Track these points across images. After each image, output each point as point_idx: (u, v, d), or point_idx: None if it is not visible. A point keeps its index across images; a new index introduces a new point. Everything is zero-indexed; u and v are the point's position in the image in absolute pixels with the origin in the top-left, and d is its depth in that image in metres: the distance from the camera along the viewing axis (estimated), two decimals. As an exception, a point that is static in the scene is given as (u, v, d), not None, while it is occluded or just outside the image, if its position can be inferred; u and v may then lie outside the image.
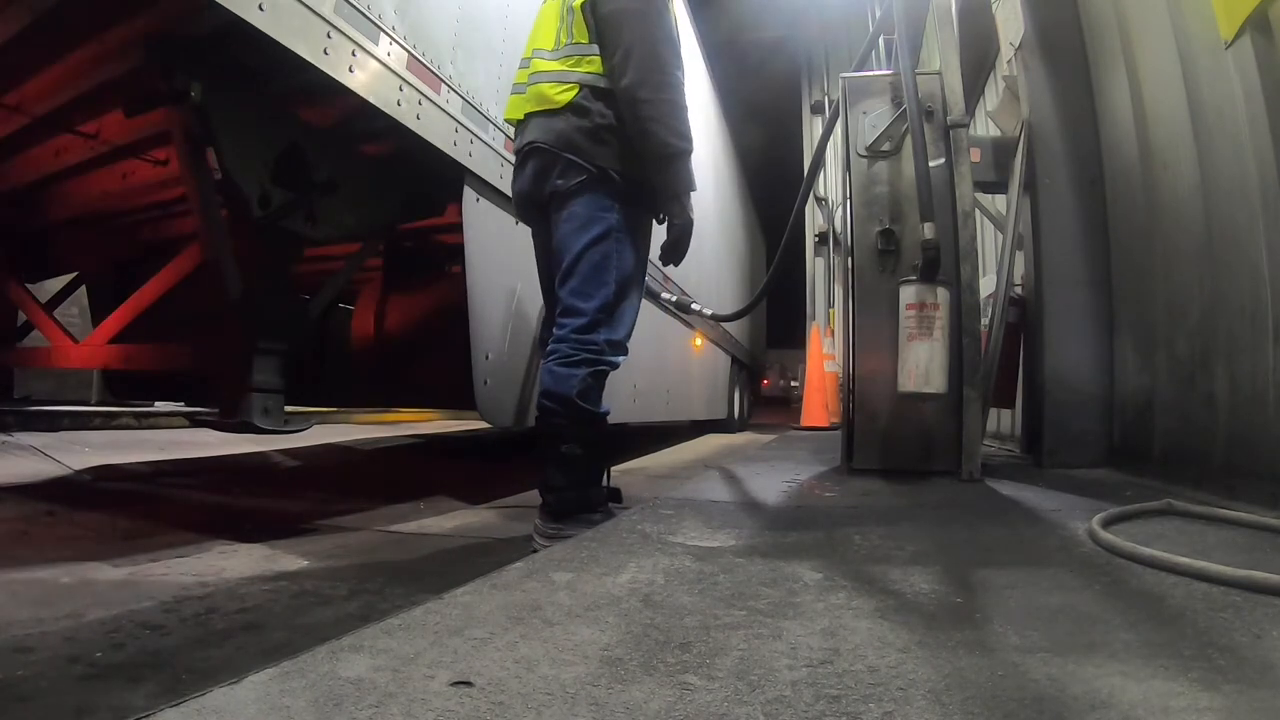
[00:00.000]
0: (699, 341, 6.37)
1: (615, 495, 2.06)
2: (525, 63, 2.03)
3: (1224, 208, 2.08)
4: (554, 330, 1.89)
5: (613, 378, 2.23)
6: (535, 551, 1.78)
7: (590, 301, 1.84)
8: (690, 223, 1.96)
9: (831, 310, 9.05)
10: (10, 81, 2.10)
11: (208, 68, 1.86)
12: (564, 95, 1.86)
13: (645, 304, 2.41)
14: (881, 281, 2.64)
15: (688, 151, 1.87)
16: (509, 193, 2.71)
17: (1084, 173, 2.97)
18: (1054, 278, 2.98)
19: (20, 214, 2.99)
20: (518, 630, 0.92)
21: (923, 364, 2.32)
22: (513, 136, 2.13)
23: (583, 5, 1.87)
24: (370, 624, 0.95)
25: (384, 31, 2.03)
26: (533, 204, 1.98)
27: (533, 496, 2.98)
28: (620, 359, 1.93)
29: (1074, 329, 2.93)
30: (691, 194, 1.94)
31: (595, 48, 1.86)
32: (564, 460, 1.83)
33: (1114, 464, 2.77)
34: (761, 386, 16.04)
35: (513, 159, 2.70)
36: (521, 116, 1.98)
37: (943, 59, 2.79)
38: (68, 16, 1.80)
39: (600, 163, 1.84)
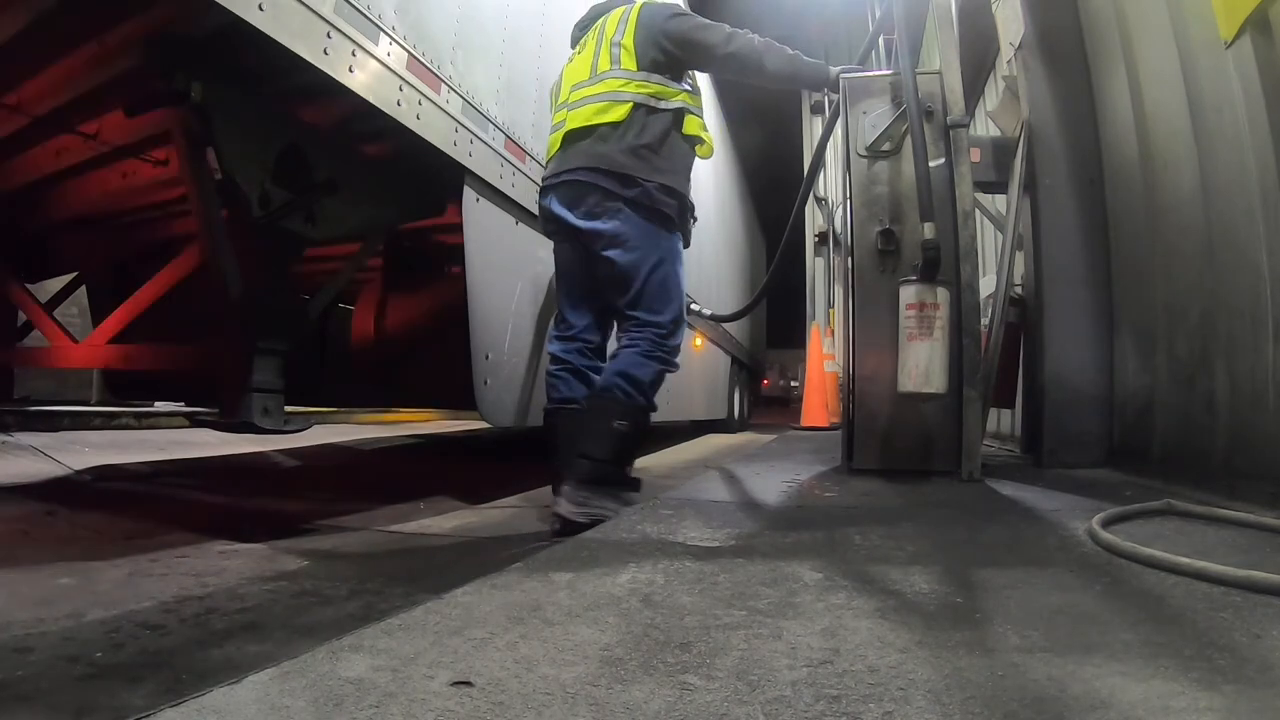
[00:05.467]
0: (699, 342, 6.37)
1: (635, 485, 2.16)
2: (563, 106, 2.25)
3: (1224, 207, 2.08)
4: (630, 329, 2.13)
5: None
6: (558, 526, 1.89)
7: (664, 315, 2.13)
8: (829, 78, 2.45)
9: (831, 310, 9.04)
10: (10, 81, 2.10)
11: (208, 68, 1.86)
12: (617, 113, 2.10)
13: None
14: (881, 281, 2.63)
15: (794, 70, 2.29)
16: (509, 193, 2.73)
17: (1084, 173, 2.96)
18: (1054, 277, 2.97)
19: (20, 214, 2.99)
20: (518, 630, 0.92)
21: (923, 364, 2.32)
22: (542, 163, 2.37)
23: (635, 34, 2.15)
24: (370, 624, 0.95)
25: (384, 31, 2.03)
26: (566, 227, 2.18)
27: (532, 496, 3.00)
28: (676, 368, 2.21)
29: (1074, 329, 2.93)
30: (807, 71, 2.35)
31: (645, 75, 2.14)
32: (612, 434, 2.01)
33: (1114, 464, 2.77)
34: (761, 386, 16.05)
35: (512, 159, 2.73)
36: (560, 144, 2.19)
37: (943, 59, 2.79)
38: (68, 16, 1.80)
39: (634, 173, 2.07)
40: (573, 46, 2.45)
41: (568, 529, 1.85)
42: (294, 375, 2.31)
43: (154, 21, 1.81)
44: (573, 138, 2.16)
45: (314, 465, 4.15)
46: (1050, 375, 2.93)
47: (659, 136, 2.12)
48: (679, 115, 2.17)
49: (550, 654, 0.84)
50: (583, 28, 2.42)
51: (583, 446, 2.01)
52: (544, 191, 2.26)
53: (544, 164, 2.39)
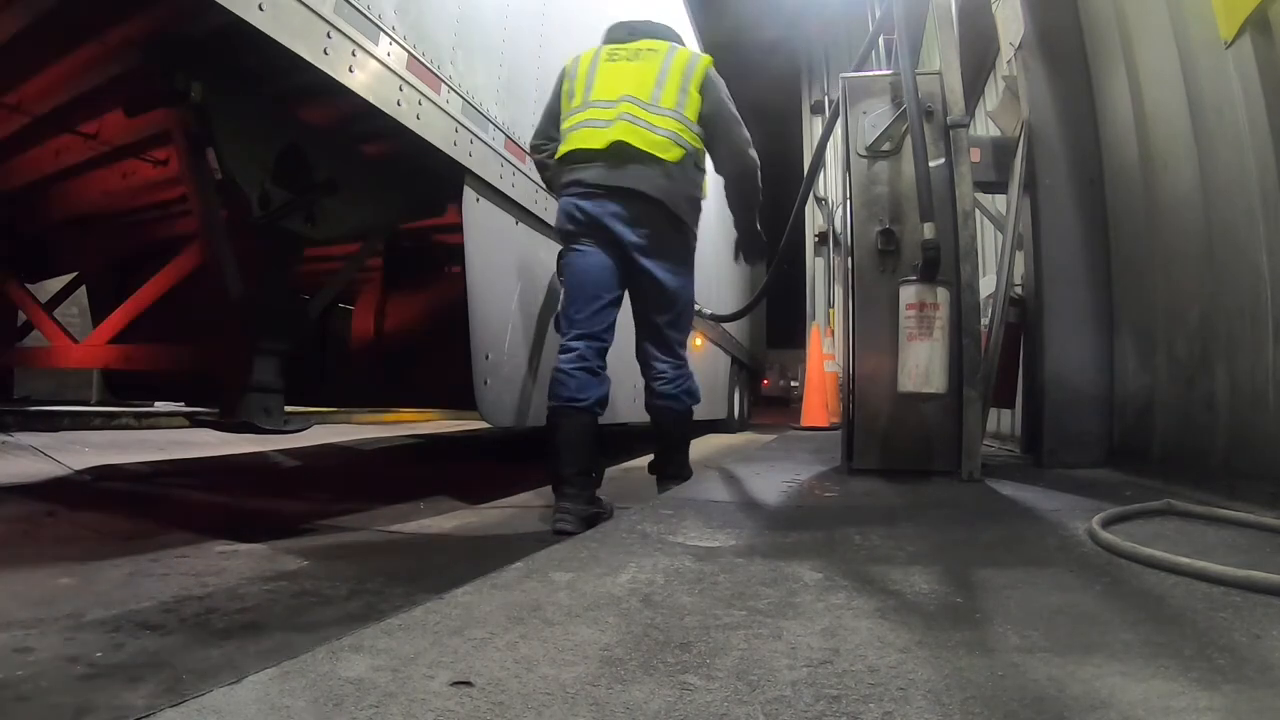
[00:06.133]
0: (699, 341, 6.37)
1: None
2: (608, 104, 2.26)
3: (1224, 208, 2.08)
4: (669, 356, 2.37)
5: (613, 378, 2.32)
6: (563, 528, 2.00)
7: (688, 335, 2.48)
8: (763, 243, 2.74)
9: (831, 310, 9.04)
10: (10, 81, 2.10)
11: (208, 68, 1.86)
12: (672, 154, 2.23)
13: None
14: (881, 281, 2.63)
15: (754, 217, 2.58)
16: (509, 193, 2.72)
17: (1084, 173, 2.96)
18: (1054, 277, 2.97)
19: (20, 214, 2.99)
20: (518, 630, 0.92)
21: (923, 364, 2.32)
22: (554, 160, 2.39)
23: (700, 88, 2.30)
24: (370, 624, 0.95)
25: (384, 31, 2.03)
26: (599, 226, 2.23)
27: (532, 497, 2.99)
28: None
29: (1074, 329, 2.93)
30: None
31: (699, 129, 2.31)
32: (686, 443, 2.55)
33: (1114, 464, 2.77)
34: (761, 386, 16.04)
35: (512, 159, 2.73)
36: (605, 146, 2.21)
37: (943, 59, 2.79)
38: (68, 16, 1.80)
39: (686, 219, 2.31)
40: (608, 41, 2.43)
41: (569, 533, 1.88)
42: (294, 375, 2.31)
43: (154, 21, 1.81)
44: (625, 153, 2.19)
45: (314, 465, 4.15)
46: (1050, 375, 2.93)
47: (701, 195, 2.39)
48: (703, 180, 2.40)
49: (550, 654, 0.84)
50: (632, 33, 2.42)
51: (665, 456, 2.49)
52: (586, 195, 2.22)
53: (561, 150, 2.31)
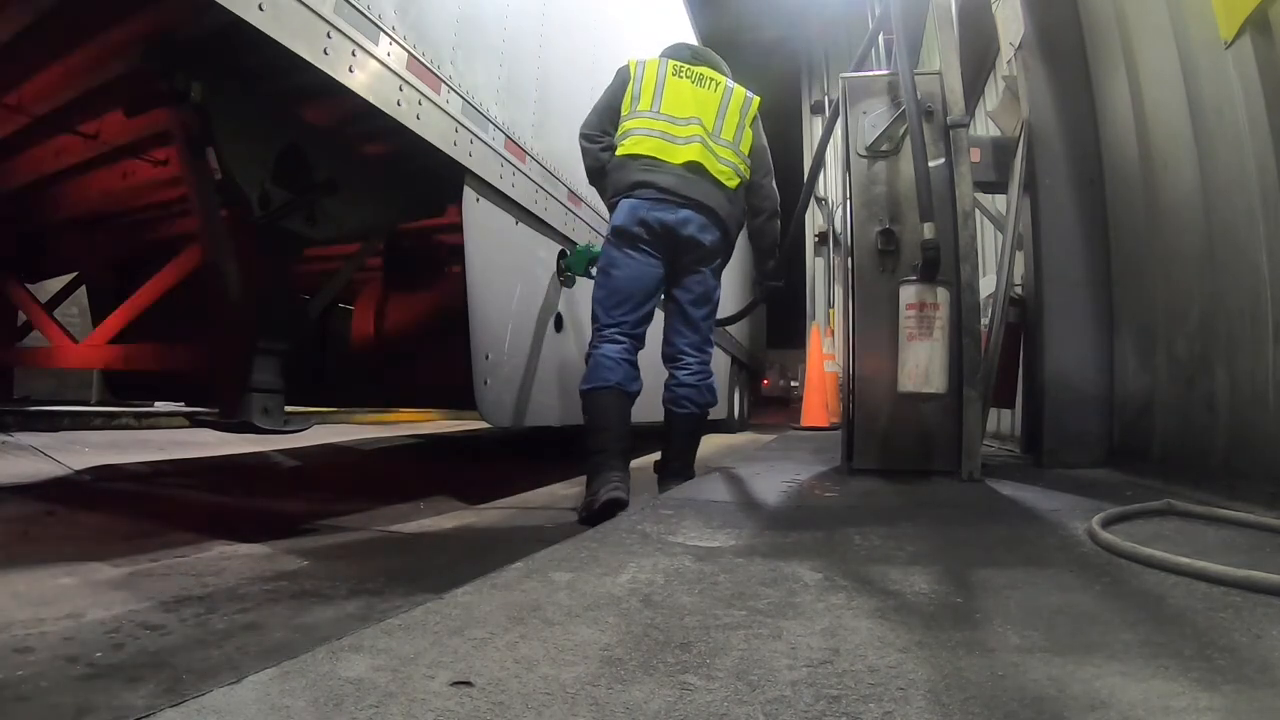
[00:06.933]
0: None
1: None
2: (681, 121, 2.46)
3: (1224, 208, 2.08)
4: (698, 351, 2.55)
5: None
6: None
7: (713, 333, 2.64)
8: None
9: (831, 310, 9.05)
10: (10, 81, 2.10)
11: (208, 68, 1.86)
12: (733, 182, 2.52)
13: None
14: (881, 281, 2.63)
15: (772, 248, 2.86)
16: (509, 193, 2.73)
17: (1084, 173, 2.96)
18: (1054, 278, 2.97)
19: (20, 214, 2.99)
20: (518, 630, 0.92)
21: (923, 364, 2.32)
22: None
23: (751, 124, 2.57)
24: (370, 624, 0.95)
25: (384, 31, 2.03)
26: (671, 237, 2.42)
27: (531, 498, 3.00)
28: None
29: (1074, 329, 2.93)
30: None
31: (749, 164, 2.57)
32: (696, 442, 2.65)
33: (1114, 464, 2.77)
34: (761, 386, 16.05)
35: (512, 159, 2.73)
36: (681, 163, 2.41)
37: (943, 59, 2.79)
38: (68, 16, 1.80)
39: (733, 237, 2.60)
40: (670, 57, 2.58)
41: (608, 512, 2.01)
42: (294, 375, 2.30)
43: (154, 22, 1.81)
44: (699, 172, 2.42)
45: (314, 465, 4.15)
46: (1050, 375, 2.93)
47: (745, 219, 2.67)
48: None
49: (550, 654, 0.84)
50: (696, 56, 2.62)
51: (674, 451, 2.56)
52: (661, 201, 2.38)
53: (628, 149, 2.44)
